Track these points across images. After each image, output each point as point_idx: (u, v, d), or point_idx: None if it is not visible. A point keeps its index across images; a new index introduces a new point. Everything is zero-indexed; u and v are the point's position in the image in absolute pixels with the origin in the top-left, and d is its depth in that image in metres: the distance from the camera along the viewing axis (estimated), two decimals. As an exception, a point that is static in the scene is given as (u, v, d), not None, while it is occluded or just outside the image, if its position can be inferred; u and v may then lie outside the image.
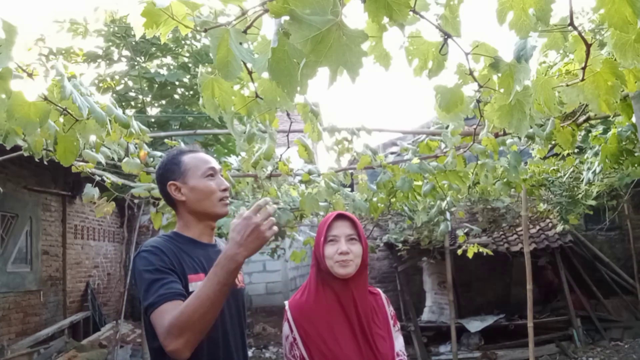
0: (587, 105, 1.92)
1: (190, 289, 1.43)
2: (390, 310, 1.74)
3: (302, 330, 1.58)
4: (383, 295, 1.77)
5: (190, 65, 7.31)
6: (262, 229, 1.28)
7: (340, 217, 1.65)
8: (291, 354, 1.58)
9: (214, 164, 1.63)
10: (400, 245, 7.70)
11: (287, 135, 2.39)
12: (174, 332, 1.24)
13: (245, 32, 1.06)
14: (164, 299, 1.33)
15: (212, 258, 1.56)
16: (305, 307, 1.61)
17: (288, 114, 2.17)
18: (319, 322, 1.58)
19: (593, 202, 6.12)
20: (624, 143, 2.98)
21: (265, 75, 1.15)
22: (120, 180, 3.02)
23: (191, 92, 7.38)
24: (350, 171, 3.42)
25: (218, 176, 1.61)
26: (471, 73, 1.37)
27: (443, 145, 2.98)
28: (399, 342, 1.68)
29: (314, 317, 1.59)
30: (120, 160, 2.60)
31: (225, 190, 1.60)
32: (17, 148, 2.12)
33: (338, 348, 1.54)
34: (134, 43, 6.91)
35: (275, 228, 1.31)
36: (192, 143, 5.40)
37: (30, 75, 1.48)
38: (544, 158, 3.84)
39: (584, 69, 1.42)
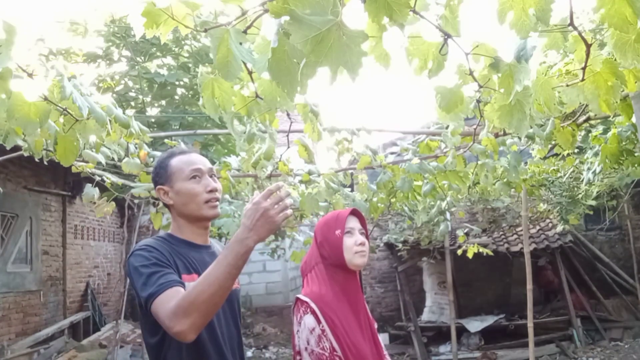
0: (587, 105, 1.92)
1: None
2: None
3: (330, 321, 1.56)
4: None
5: (190, 65, 7.31)
6: (272, 214, 1.25)
7: (351, 212, 1.73)
8: (319, 347, 1.52)
9: (201, 164, 1.58)
10: (400, 245, 7.70)
11: (287, 135, 2.39)
12: (179, 313, 1.21)
13: (245, 32, 1.06)
14: (165, 287, 1.30)
15: (205, 260, 1.54)
16: (327, 299, 1.61)
17: (288, 114, 2.17)
18: (341, 314, 1.59)
19: (593, 202, 6.13)
20: (624, 143, 2.98)
21: (265, 75, 1.15)
22: (120, 180, 3.02)
23: (191, 92, 7.38)
24: (350, 171, 3.42)
25: (205, 177, 1.56)
26: (471, 73, 1.37)
27: (443, 146, 2.98)
28: None
29: (336, 308, 1.59)
30: (120, 160, 2.60)
31: (212, 191, 1.55)
32: (17, 148, 2.12)
33: (357, 341, 1.56)
34: (134, 43, 6.90)
35: (288, 211, 1.28)
36: (192, 143, 5.41)
37: (30, 75, 1.48)
38: (544, 158, 3.84)
39: (584, 69, 1.42)
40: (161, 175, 1.57)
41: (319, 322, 1.55)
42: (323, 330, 1.54)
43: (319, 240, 1.71)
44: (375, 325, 1.76)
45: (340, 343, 1.53)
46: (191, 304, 1.21)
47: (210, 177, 1.59)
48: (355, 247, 1.64)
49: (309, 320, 1.56)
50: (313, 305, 1.58)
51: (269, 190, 1.28)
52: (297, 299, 1.64)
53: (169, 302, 1.25)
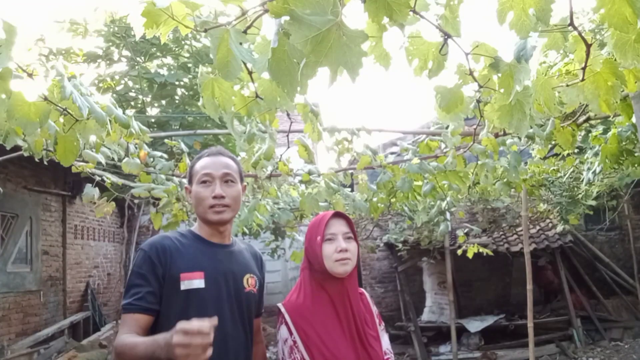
0: (587, 105, 1.92)
1: (182, 287, 1.49)
2: (374, 309, 1.73)
3: (302, 332, 1.53)
4: (367, 295, 1.76)
5: (190, 65, 7.31)
6: (192, 351, 1.17)
7: (335, 215, 1.63)
8: (291, 358, 1.53)
9: (213, 169, 1.59)
10: (400, 245, 7.70)
11: (287, 135, 2.39)
12: (115, 352, 1.42)
13: (245, 32, 1.06)
14: (131, 309, 1.46)
15: (218, 258, 1.58)
16: (303, 309, 1.57)
17: (288, 114, 2.17)
18: (317, 324, 1.54)
19: (593, 202, 6.13)
20: (624, 143, 2.98)
21: (265, 75, 1.15)
22: (120, 180, 3.02)
23: (191, 92, 7.38)
24: (350, 171, 3.42)
25: (215, 182, 1.58)
26: (471, 73, 1.37)
27: (443, 146, 2.98)
28: (385, 341, 1.67)
29: (312, 318, 1.55)
30: (120, 160, 2.60)
31: (216, 197, 1.56)
32: (17, 148, 2.12)
33: (337, 350, 1.51)
34: (134, 43, 6.91)
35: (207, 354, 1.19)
36: (192, 143, 5.41)
37: (30, 75, 1.48)
38: (544, 158, 3.83)
39: (584, 69, 1.42)
40: (188, 175, 1.68)
41: (290, 333, 1.55)
42: (294, 342, 1.53)
43: (305, 245, 1.65)
44: (382, 329, 1.69)
45: (312, 355, 1.50)
46: (117, 356, 1.40)
47: (225, 182, 1.60)
48: (335, 254, 1.54)
49: (282, 331, 1.58)
50: (286, 316, 1.57)
51: (200, 329, 1.18)
52: (278, 307, 1.63)
53: (120, 331, 1.46)
